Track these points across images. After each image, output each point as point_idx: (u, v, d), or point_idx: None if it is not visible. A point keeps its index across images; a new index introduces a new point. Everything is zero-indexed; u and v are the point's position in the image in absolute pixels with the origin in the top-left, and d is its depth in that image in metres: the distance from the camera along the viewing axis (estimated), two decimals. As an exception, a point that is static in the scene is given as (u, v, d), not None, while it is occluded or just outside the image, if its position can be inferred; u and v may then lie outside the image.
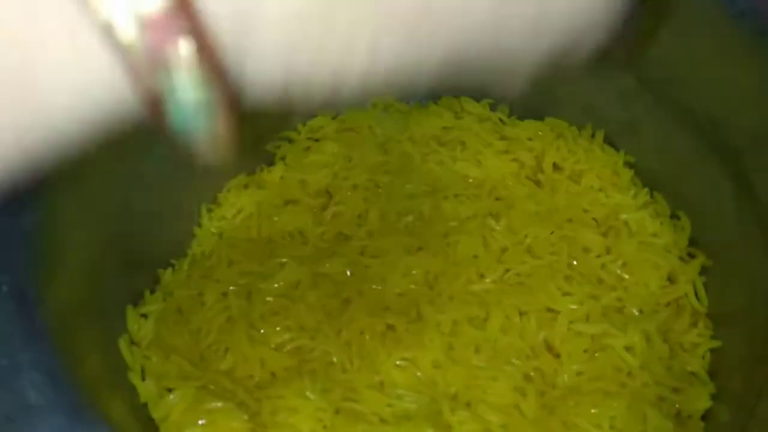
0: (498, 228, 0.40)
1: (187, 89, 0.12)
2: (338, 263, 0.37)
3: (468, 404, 0.33)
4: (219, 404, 0.30)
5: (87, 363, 0.26)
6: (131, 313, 0.33)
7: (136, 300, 0.35)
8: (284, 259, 0.38)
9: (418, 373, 0.34)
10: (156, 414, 0.30)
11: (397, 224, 0.40)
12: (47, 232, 0.27)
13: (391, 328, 0.35)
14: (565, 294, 0.36)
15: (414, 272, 0.37)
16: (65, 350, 0.24)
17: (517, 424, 0.32)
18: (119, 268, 0.34)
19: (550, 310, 0.36)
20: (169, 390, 0.31)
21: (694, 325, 0.36)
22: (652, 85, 0.39)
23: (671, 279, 0.38)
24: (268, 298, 0.35)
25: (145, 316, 0.34)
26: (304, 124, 0.45)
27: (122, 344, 0.31)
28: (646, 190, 0.41)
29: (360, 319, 0.35)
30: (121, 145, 0.36)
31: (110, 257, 0.33)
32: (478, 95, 0.45)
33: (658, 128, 0.40)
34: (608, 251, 0.39)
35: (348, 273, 0.37)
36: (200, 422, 0.29)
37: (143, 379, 0.31)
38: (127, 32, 0.11)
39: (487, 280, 0.37)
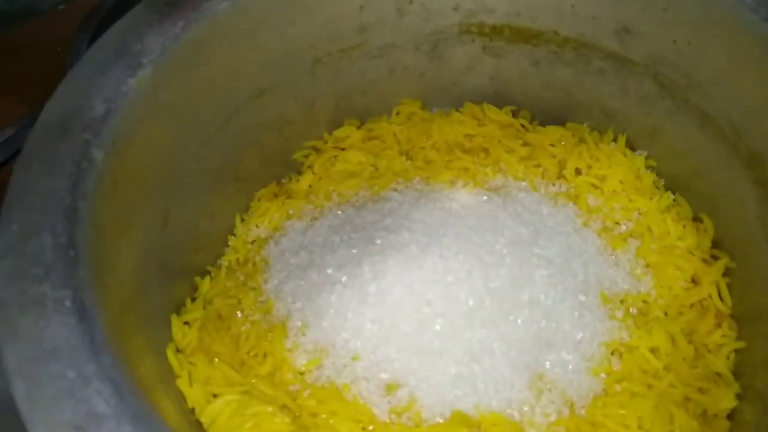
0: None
1: None
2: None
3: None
4: (263, 408, 0.31)
5: (140, 370, 0.27)
6: (175, 321, 0.35)
7: (177, 308, 0.36)
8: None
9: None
10: (203, 418, 0.31)
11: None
12: (96, 248, 0.29)
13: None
14: (591, 297, 0.37)
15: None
16: (121, 359, 0.25)
17: (546, 424, 0.33)
18: (160, 278, 0.35)
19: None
20: (215, 395, 0.32)
21: (719, 326, 0.37)
22: (673, 89, 0.40)
23: (695, 281, 0.39)
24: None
25: (187, 323, 0.35)
26: (330, 134, 0.46)
27: (169, 353, 0.33)
28: (668, 193, 0.42)
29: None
30: (160, 159, 0.37)
31: (151, 267, 0.34)
32: (501, 102, 0.46)
33: (679, 132, 0.41)
34: (632, 254, 0.39)
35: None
36: (246, 425, 0.30)
37: (190, 385, 0.32)
38: None
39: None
